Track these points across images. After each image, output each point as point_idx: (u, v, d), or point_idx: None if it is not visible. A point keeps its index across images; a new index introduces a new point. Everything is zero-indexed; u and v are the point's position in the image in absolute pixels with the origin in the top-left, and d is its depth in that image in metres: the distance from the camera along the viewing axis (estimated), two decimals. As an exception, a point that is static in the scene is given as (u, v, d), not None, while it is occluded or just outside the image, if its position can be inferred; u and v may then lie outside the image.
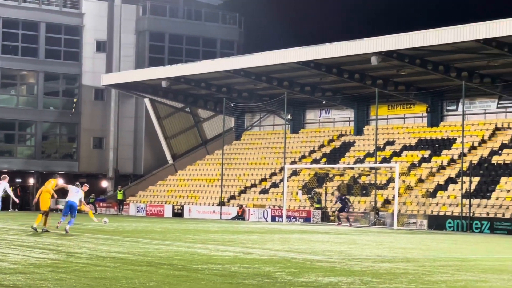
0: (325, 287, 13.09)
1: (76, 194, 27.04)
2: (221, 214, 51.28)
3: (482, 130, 48.29)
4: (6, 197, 29.86)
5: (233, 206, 52.37)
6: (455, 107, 51.03)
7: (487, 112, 49.69)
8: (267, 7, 74.65)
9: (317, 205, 47.17)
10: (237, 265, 16.34)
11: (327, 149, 55.40)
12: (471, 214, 40.25)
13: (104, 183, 66.94)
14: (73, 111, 65.96)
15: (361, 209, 45.33)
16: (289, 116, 57.84)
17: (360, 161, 51.02)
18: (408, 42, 43.04)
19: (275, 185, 53.49)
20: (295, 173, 53.50)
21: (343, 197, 43.21)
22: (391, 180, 45.70)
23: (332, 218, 45.34)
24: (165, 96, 63.41)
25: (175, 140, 67.26)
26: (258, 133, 63.22)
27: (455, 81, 45.76)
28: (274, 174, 55.26)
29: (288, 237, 28.24)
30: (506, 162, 44.36)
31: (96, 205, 59.39)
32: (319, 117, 59.58)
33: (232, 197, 54.54)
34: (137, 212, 57.79)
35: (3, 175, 28.70)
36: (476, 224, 39.27)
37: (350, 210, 43.72)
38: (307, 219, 46.43)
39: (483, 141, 47.48)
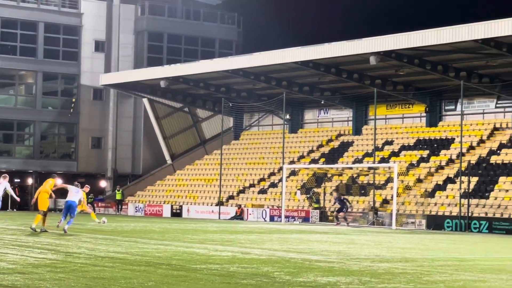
0: (324, 287, 13.09)
1: (76, 194, 27.04)
2: (219, 214, 51.28)
3: (480, 130, 48.32)
4: (5, 196, 29.79)
5: (231, 206, 52.38)
6: (453, 107, 51.05)
7: (485, 112, 49.72)
8: (265, 7, 74.67)
9: (316, 205, 47.18)
10: (235, 265, 16.34)
11: (325, 149, 55.41)
12: (470, 214, 40.26)
13: (103, 183, 66.92)
14: (71, 111, 65.95)
15: (360, 209, 45.34)
16: (287, 116, 57.85)
17: (358, 161, 51.03)
18: (406, 42, 43.06)
19: (273, 185, 53.49)
20: (293, 173, 53.50)
21: (342, 197, 43.24)
22: (389, 180, 45.70)
23: (330, 218, 45.34)
24: (163, 96, 63.40)
25: (174, 140, 67.25)
26: (256, 133, 63.22)
27: (453, 81, 45.77)
28: (272, 174, 55.26)
29: (287, 237, 28.24)
30: (504, 162, 44.38)
31: (95, 205, 59.32)
32: (318, 117, 59.58)
33: (231, 197, 54.54)
34: (136, 212, 57.79)
35: (3, 175, 28.55)
36: (475, 224, 39.28)
37: (349, 210, 43.70)
38: (306, 219, 46.43)
39: (481, 141, 47.50)
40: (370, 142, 51.19)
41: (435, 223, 40.76)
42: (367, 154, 50.90)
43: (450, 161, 47.00)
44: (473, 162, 45.01)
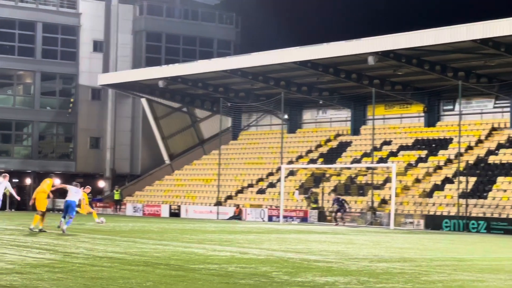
0: (322, 287, 13.09)
1: (75, 194, 27.03)
2: (218, 214, 51.27)
3: (478, 130, 48.34)
4: (3, 196, 29.68)
5: (230, 206, 52.37)
6: (451, 107, 51.06)
7: (483, 112, 49.74)
8: (264, 7, 74.65)
9: (314, 205, 47.20)
10: (234, 265, 16.34)
11: (324, 149, 55.41)
12: (468, 214, 40.29)
13: (101, 183, 66.89)
14: (70, 111, 65.93)
15: (358, 209, 45.35)
16: (286, 116, 57.84)
17: (357, 161, 51.04)
18: (405, 42, 43.08)
19: (272, 185, 53.48)
20: (292, 173, 53.50)
21: (340, 199, 43.29)
22: (388, 180, 45.72)
23: (329, 218, 45.34)
24: (162, 96, 63.39)
25: (172, 140, 67.24)
26: (255, 133, 63.22)
27: (452, 81, 45.79)
28: (271, 174, 55.26)
29: (285, 237, 28.24)
30: (502, 162, 44.41)
31: (93, 205, 59.24)
32: (316, 117, 59.59)
33: (229, 197, 54.53)
34: (134, 212, 57.75)
35: (3, 174, 28.43)
36: (473, 224, 39.30)
37: (348, 210, 43.74)
38: (304, 219, 46.44)
39: (479, 141, 47.52)
40: (369, 142, 51.19)
41: (433, 223, 40.77)
42: (366, 154, 50.91)
43: (448, 161, 47.02)
44: (471, 162, 45.02)
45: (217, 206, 52.19)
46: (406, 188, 45.82)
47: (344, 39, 46.27)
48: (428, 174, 46.59)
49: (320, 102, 56.61)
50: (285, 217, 46.77)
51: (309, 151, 55.91)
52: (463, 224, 39.54)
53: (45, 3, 65.23)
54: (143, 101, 66.46)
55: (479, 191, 42.43)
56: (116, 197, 59.13)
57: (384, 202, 45.30)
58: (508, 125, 47.75)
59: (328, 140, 56.41)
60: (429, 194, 44.23)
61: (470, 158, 45.67)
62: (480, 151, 46.31)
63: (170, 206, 55.62)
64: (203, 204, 54.80)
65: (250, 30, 74.12)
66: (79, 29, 65.87)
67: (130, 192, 62.80)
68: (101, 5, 66.89)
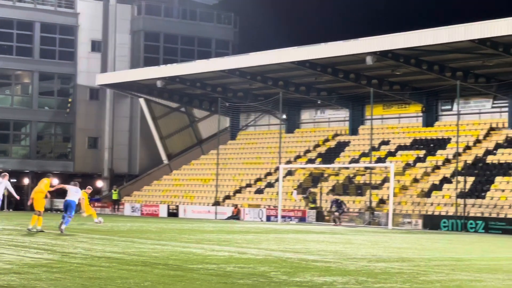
0: (320, 287, 13.09)
1: (75, 193, 27.02)
2: (216, 214, 51.26)
3: (477, 130, 48.36)
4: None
5: (228, 206, 52.36)
6: (450, 107, 51.08)
7: (481, 112, 49.76)
8: (262, 7, 74.65)
9: (312, 205, 47.20)
10: (232, 264, 16.34)
11: (322, 149, 55.42)
12: (466, 214, 40.30)
13: (99, 183, 66.87)
14: (68, 110, 65.90)
15: (356, 209, 45.35)
16: (284, 116, 57.85)
17: (355, 161, 51.04)
18: (403, 42, 43.09)
19: (270, 185, 53.48)
20: (290, 173, 53.50)
21: (338, 200, 43.33)
22: (386, 180, 45.73)
23: (327, 218, 45.35)
24: (160, 96, 63.37)
25: (170, 140, 67.22)
26: (253, 133, 63.21)
27: (450, 81, 45.81)
28: (269, 174, 55.25)
29: (283, 237, 28.24)
30: (500, 162, 44.42)
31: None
32: (314, 117, 59.59)
33: (227, 197, 54.52)
34: (132, 212, 57.72)
35: (3, 173, 28.35)
36: (471, 223, 39.31)
37: (346, 211, 43.76)
38: (302, 219, 46.44)
39: (477, 141, 47.54)
40: (367, 142, 51.20)
41: (432, 223, 40.78)
42: (364, 154, 50.92)
43: (447, 161, 47.03)
44: (469, 162, 45.05)
45: (215, 206, 52.17)
46: (404, 188, 45.83)
47: (342, 39, 46.28)
48: (426, 174, 46.60)
49: (318, 102, 56.61)
50: (283, 217, 46.77)
51: (307, 151, 55.91)
52: (461, 224, 39.56)
53: (43, 3, 65.19)
54: (141, 101, 66.43)
55: (477, 191, 42.45)
56: (114, 197, 59.12)
57: (382, 202, 45.31)
58: (506, 125, 47.77)
59: (326, 140, 56.41)
60: (427, 194, 44.24)
61: (468, 158, 45.69)
62: (478, 151, 46.32)
63: (168, 206, 55.61)
64: (201, 204, 54.78)
65: (248, 30, 74.13)
66: (77, 29, 65.84)
67: (128, 192, 62.78)
68: (99, 5, 66.86)
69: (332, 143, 55.57)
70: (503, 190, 41.63)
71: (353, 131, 55.38)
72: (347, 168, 49.59)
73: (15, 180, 63.76)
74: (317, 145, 56.28)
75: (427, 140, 50.04)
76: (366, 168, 47.35)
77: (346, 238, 29.12)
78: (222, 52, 67.66)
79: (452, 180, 43.85)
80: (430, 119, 51.52)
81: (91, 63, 66.33)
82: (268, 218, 48.24)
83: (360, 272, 15.46)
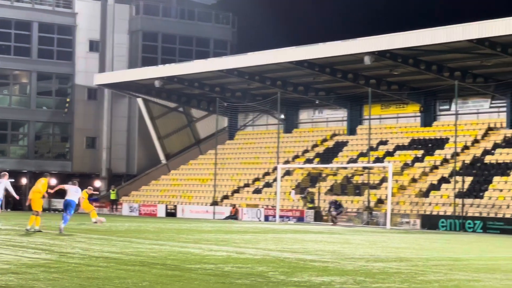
0: (318, 286, 13.08)
1: (75, 193, 27.01)
2: (214, 214, 51.25)
3: (475, 130, 48.38)
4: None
5: (226, 206, 52.35)
6: (448, 107, 51.10)
7: (480, 112, 49.78)
8: (260, 7, 74.66)
9: (310, 205, 47.20)
10: (230, 264, 16.33)
11: (320, 149, 55.42)
12: (464, 214, 40.32)
13: (97, 183, 66.82)
14: (66, 110, 65.85)
15: (355, 209, 45.36)
16: (282, 116, 57.85)
17: (353, 160, 51.05)
18: (401, 42, 43.10)
19: (268, 184, 53.47)
20: (288, 173, 53.50)
21: (337, 202, 43.38)
22: (384, 179, 45.73)
23: (325, 218, 45.36)
24: (158, 96, 63.36)
25: (168, 140, 67.20)
26: (251, 133, 63.20)
27: (448, 81, 45.82)
28: (267, 173, 55.25)
29: (281, 237, 28.23)
30: (498, 161, 44.44)
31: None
32: (312, 116, 59.59)
33: (225, 197, 54.50)
34: (130, 212, 57.71)
35: (2, 172, 28.29)
36: (469, 223, 39.32)
37: (344, 212, 43.81)
38: (300, 219, 46.44)
39: (476, 141, 47.56)
40: (365, 142, 51.21)
41: (430, 222, 40.79)
42: (362, 154, 50.92)
43: (445, 161, 47.05)
44: (467, 162, 45.06)
45: (213, 206, 52.16)
46: (402, 187, 45.84)
47: (340, 39, 46.27)
48: (424, 173, 46.62)
49: (317, 102, 56.61)
50: (281, 217, 46.77)
51: (306, 151, 55.91)
52: (459, 223, 39.57)
53: (41, 3, 65.15)
54: (139, 101, 66.41)
55: (475, 191, 42.47)
56: (112, 197, 59.10)
57: (380, 201, 45.32)
58: (504, 125, 47.79)
59: (325, 140, 56.41)
60: (425, 194, 44.26)
61: (466, 158, 45.70)
62: (476, 151, 46.34)
63: (166, 206, 55.59)
64: (199, 204, 54.77)
65: (246, 30, 74.13)
66: (75, 28, 65.80)
67: (126, 192, 62.75)
68: (97, 4, 66.83)
69: (330, 143, 55.57)
70: (501, 190, 41.65)
71: (351, 131, 55.39)
72: (345, 168, 49.59)
73: (13, 180, 63.71)
74: (315, 145, 56.28)
75: (425, 140, 50.05)
76: (364, 168, 47.36)
77: (344, 238, 29.12)
78: (220, 52, 67.64)
79: (450, 180, 43.87)
80: (428, 119, 51.53)
81: (89, 63, 66.30)
82: (266, 218, 48.24)
83: (358, 272, 15.46)
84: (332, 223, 42.92)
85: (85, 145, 66.82)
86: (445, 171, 45.77)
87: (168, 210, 55.07)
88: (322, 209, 46.78)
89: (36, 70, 64.66)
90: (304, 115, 60.21)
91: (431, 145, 49.22)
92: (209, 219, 49.99)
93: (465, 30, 40.20)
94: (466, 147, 47.14)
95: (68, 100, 66.26)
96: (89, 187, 36.60)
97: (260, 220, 48.22)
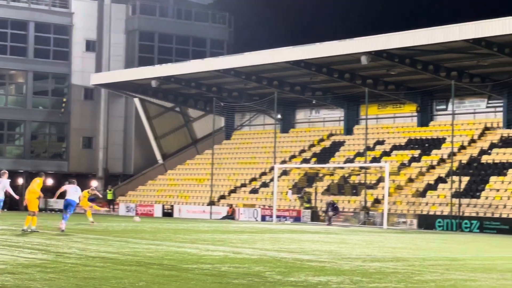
0: (315, 286, 13.07)
1: (75, 193, 27.01)
2: (211, 214, 51.23)
3: (471, 130, 48.42)
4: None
5: (223, 205, 52.33)
6: (444, 107, 51.14)
7: (476, 112, 49.83)
8: (257, 6, 74.63)
9: (307, 205, 47.20)
10: (227, 264, 16.32)
11: (317, 149, 55.43)
12: (461, 214, 40.35)
13: (94, 183, 66.72)
14: (62, 110, 65.79)
15: (351, 209, 45.37)
16: (279, 116, 57.84)
17: (350, 160, 51.06)
18: (398, 42, 43.13)
19: (265, 184, 53.47)
20: (285, 172, 53.50)
21: (335, 205, 43.41)
22: (381, 179, 45.76)
23: (321, 218, 45.36)
24: (155, 96, 63.31)
25: (165, 139, 67.16)
26: (248, 133, 63.19)
27: (444, 80, 45.85)
28: (264, 173, 55.24)
29: (278, 237, 28.23)
30: (495, 161, 44.48)
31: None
32: (309, 116, 59.60)
33: (222, 197, 54.49)
34: (127, 212, 57.64)
35: (2, 171, 28.17)
36: (466, 223, 39.35)
37: (339, 212, 43.86)
38: (297, 219, 46.43)
39: (472, 141, 47.60)
40: (362, 142, 51.22)
41: (426, 222, 40.81)
42: (359, 154, 50.94)
43: (441, 160, 47.08)
44: (464, 161, 45.09)
45: (210, 206, 52.14)
46: (399, 187, 45.86)
47: (337, 39, 46.29)
48: (421, 173, 46.65)
49: (313, 102, 56.63)
50: (278, 216, 46.76)
51: (302, 151, 55.91)
52: (456, 223, 39.60)
53: (38, 3, 65.08)
54: (136, 101, 66.37)
55: (472, 191, 42.50)
56: (109, 197, 59.03)
57: (377, 201, 45.34)
58: (500, 124, 47.84)
59: (321, 140, 56.43)
60: (422, 194, 44.28)
61: (463, 157, 45.74)
62: (473, 151, 46.38)
63: (163, 206, 55.55)
64: (196, 203, 54.74)
65: (243, 30, 74.10)
66: (71, 28, 65.73)
67: (123, 192, 62.71)
68: (94, 4, 66.77)
69: (327, 143, 55.58)
70: (497, 190, 41.68)
71: (348, 131, 55.41)
72: (342, 168, 49.61)
73: (9, 180, 63.67)
74: (312, 145, 56.29)
75: (422, 140, 50.09)
76: (361, 168, 47.37)
77: (341, 238, 29.13)
78: (217, 52, 67.62)
79: (447, 180, 43.89)
80: (425, 119, 51.57)
81: (86, 63, 66.24)
82: (263, 218, 48.23)
83: (354, 272, 15.45)
84: (327, 223, 42.93)
85: (81, 145, 66.77)
86: (442, 171, 45.80)
87: (165, 210, 55.02)
88: (319, 209, 46.79)
89: (33, 69, 64.59)
90: (301, 115, 60.22)
91: (427, 145, 49.26)
92: (206, 219, 49.97)
93: (461, 30, 40.24)
94: (462, 147, 47.19)
95: (64, 100, 66.20)
96: (91, 187, 36.57)
97: (257, 220, 48.21)
